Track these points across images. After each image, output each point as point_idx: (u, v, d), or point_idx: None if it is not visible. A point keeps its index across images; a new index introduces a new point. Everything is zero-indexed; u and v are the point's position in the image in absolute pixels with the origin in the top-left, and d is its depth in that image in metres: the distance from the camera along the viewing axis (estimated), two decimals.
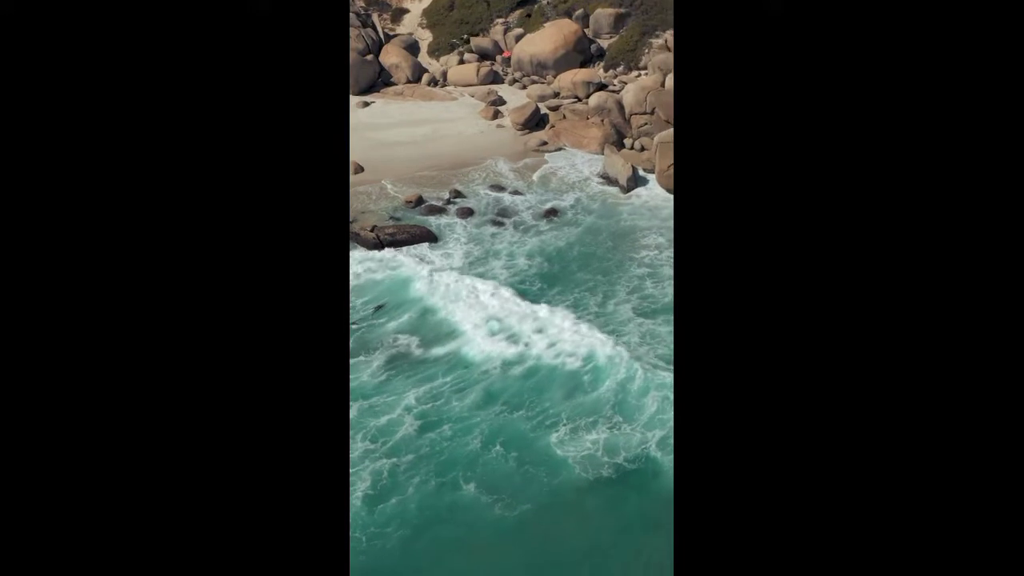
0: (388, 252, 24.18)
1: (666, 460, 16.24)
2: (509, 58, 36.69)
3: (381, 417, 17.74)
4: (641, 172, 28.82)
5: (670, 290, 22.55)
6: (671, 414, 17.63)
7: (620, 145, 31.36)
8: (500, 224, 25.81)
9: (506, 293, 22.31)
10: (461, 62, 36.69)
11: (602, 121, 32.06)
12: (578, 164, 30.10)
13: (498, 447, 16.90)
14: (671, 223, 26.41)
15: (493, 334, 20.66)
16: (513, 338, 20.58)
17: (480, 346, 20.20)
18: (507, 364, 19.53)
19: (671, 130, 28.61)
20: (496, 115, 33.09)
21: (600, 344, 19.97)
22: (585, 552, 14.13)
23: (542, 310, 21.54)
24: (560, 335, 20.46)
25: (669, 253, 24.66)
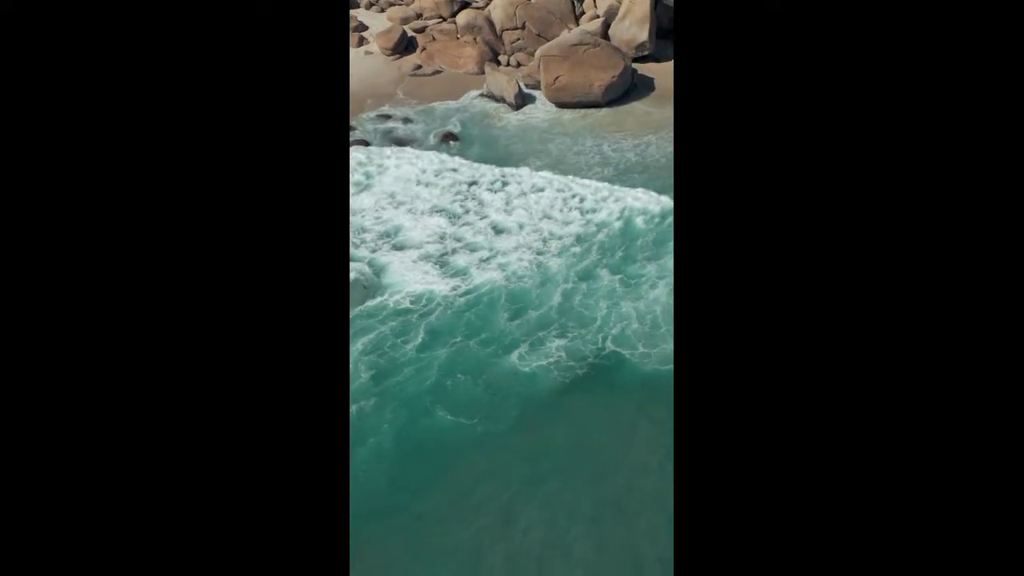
0: None
1: (627, 351, 16.97)
2: None
3: None
4: (524, 88, 28.55)
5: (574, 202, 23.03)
6: (623, 309, 18.39)
7: (496, 63, 30.71)
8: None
9: (432, 223, 21.67)
10: None
11: (474, 40, 31.05)
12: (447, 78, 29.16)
13: (460, 376, 16.68)
14: (566, 134, 26.78)
15: (425, 272, 20.04)
16: (446, 271, 20.11)
17: (412, 287, 19.50)
18: (445, 299, 19.08)
19: (552, 43, 28.42)
20: (362, 42, 30.78)
21: (534, 260, 20.16)
22: (581, 451, 14.54)
23: (466, 237, 21.20)
24: (492, 259, 20.34)
25: (553, 172, 25.01)
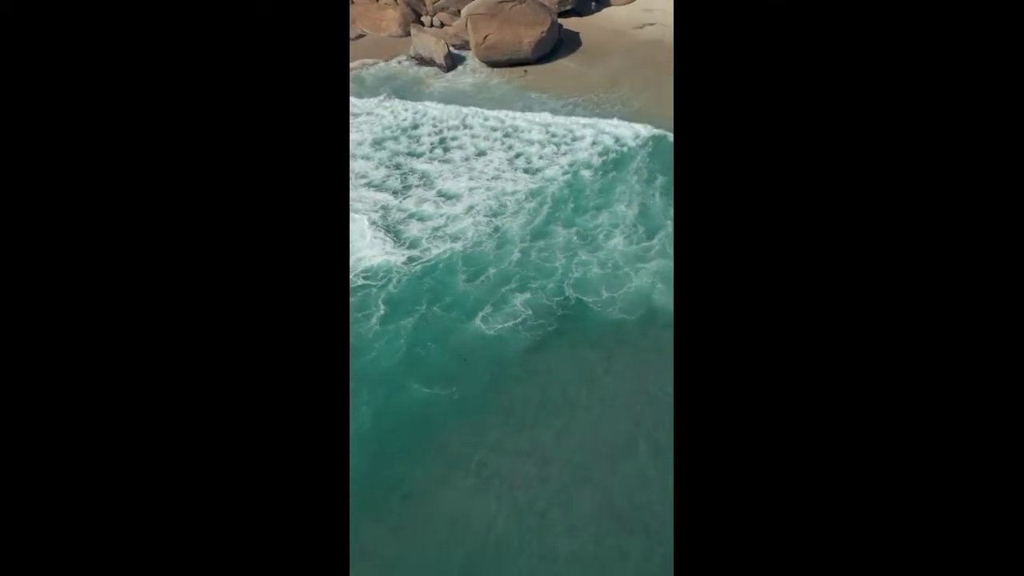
0: None
1: (591, 299, 16.85)
2: None
3: None
4: (452, 49, 27.50)
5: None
6: (578, 258, 18.21)
7: (419, 23, 29.42)
8: None
9: (377, 196, 20.77)
10: None
11: (395, 1, 29.57)
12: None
13: (430, 345, 16.20)
14: (493, 99, 26.08)
15: (381, 241, 19.22)
16: (400, 243, 19.37)
17: (368, 263, 18.69)
18: (400, 270, 18.41)
19: (478, 1, 27.35)
20: None
21: (488, 223, 19.69)
22: (560, 406, 14.41)
23: (411, 208, 20.47)
24: (444, 227, 19.74)
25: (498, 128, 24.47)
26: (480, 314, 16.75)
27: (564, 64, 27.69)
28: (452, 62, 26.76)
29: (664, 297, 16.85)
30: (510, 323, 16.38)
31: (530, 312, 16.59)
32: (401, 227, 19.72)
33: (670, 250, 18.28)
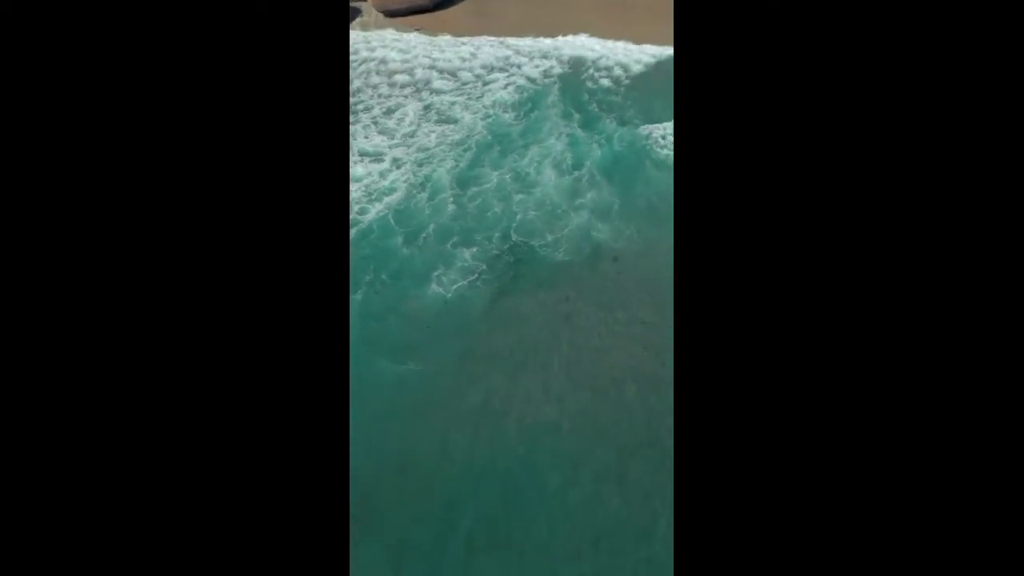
0: None
1: (537, 243, 16.49)
2: None
3: None
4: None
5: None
6: (520, 198, 17.54)
7: None
8: None
9: None
10: None
11: None
12: None
13: (389, 318, 15.40)
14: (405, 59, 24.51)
15: None
16: None
17: None
18: None
19: None
20: None
21: (414, 176, 18.82)
22: (537, 348, 14.06)
23: None
24: (373, 186, 18.71)
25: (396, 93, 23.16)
26: (434, 275, 16.23)
27: (464, 13, 26.29)
28: (349, 15, 24.83)
29: (602, 235, 16.81)
30: (465, 280, 15.97)
31: (484, 266, 16.20)
32: None
33: (599, 180, 18.27)
